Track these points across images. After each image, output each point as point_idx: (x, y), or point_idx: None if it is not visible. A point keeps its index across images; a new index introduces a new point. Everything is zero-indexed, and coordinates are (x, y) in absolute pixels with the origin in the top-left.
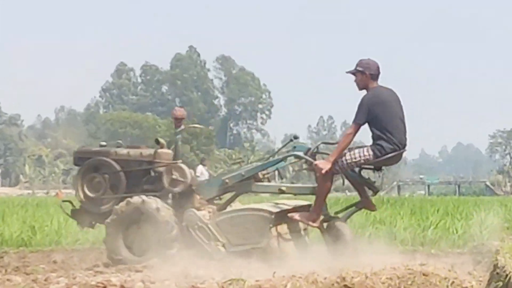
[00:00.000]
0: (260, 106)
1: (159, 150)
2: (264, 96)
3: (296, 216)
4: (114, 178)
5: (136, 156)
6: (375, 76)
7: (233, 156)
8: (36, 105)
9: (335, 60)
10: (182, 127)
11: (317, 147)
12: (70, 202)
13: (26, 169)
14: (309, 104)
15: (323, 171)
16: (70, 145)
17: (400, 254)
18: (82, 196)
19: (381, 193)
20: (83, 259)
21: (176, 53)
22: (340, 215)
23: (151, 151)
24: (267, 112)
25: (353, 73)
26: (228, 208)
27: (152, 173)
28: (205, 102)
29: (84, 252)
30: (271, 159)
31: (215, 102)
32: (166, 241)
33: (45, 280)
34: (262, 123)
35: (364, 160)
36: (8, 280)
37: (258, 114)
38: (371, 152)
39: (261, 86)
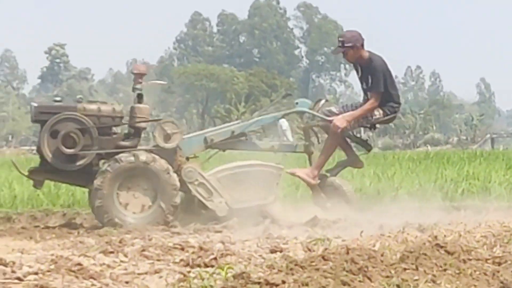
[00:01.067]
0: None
1: (140, 105)
2: None
3: (298, 172)
4: (87, 134)
5: (108, 111)
6: (363, 44)
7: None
8: (107, 58)
9: (421, 5)
10: (142, 83)
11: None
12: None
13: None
14: (395, 54)
15: (340, 130)
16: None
17: (495, 210)
18: (49, 152)
19: (473, 147)
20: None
21: (254, 0)
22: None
23: (121, 107)
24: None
25: (346, 51)
26: (230, 164)
27: (131, 130)
28: (285, 53)
29: None
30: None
31: (296, 52)
32: (171, 201)
33: (120, 242)
34: (345, 74)
35: (375, 119)
36: (81, 242)
37: (342, 65)
38: (381, 112)
39: None
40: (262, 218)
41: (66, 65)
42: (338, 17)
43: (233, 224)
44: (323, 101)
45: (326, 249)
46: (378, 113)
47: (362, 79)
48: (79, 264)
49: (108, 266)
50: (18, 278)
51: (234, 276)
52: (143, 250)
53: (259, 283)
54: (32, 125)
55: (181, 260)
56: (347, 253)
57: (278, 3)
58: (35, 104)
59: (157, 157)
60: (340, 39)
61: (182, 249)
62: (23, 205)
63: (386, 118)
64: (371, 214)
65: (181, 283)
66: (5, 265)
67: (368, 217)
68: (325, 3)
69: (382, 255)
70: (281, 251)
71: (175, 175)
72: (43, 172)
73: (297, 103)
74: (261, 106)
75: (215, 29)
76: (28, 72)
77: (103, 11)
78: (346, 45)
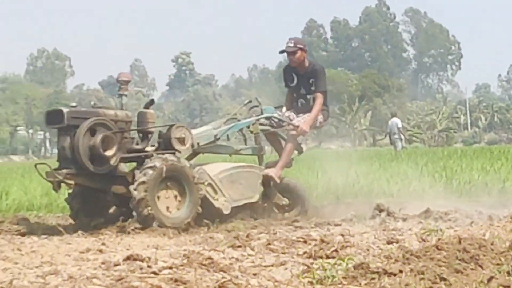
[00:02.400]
0: (449, 57)
1: (148, 111)
2: (453, 47)
3: (270, 173)
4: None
5: (123, 117)
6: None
7: (425, 108)
8: (229, 65)
9: None
10: (126, 91)
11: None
12: (46, 164)
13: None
14: (499, 52)
15: (306, 133)
16: (264, 103)
17: None
18: (83, 155)
19: None
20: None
21: (365, 7)
22: None
23: (131, 113)
24: (456, 63)
25: (295, 51)
26: (226, 165)
27: (140, 134)
28: (394, 56)
29: None
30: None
31: (404, 55)
32: (197, 200)
33: (247, 236)
34: (452, 74)
35: (319, 123)
36: (210, 237)
37: (448, 65)
38: (322, 116)
39: (449, 38)
40: (378, 211)
41: (192, 72)
42: (443, 21)
43: (351, 217)
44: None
45: (439, 239)
46: (321, 117)
47: (300, 85)
48: (210, 258)
49: (237, 259)
50: (154, 273)
51: (354, 267)
52: (269, 244)
53: (377, 272)
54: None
55: (304, 252)
56: (459, 242)
57: (388, 9)
58: (66, 110)
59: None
60: (292, 40)
61: (305, 242)
62: None
63: (323, 122)
64: (480, 205)
65: (305, 274)
66: (142, 260)
67: (477, 208)
68: (431, 7)
69: (492, 244)
70: (397, 242)
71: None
72: (64, 174)
73: (264, 109)
74: (374, 106)
75: (329, 35)
76: (156, 79)
77: (226, 22)
78: (298, 45)
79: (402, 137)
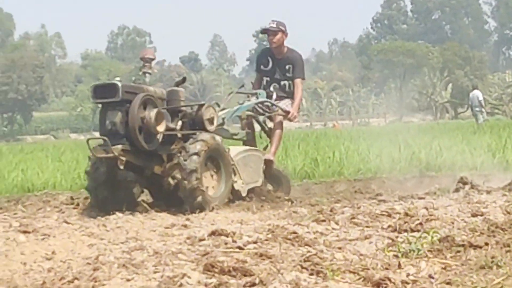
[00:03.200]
0: None
1: (178, 89)
2: None
3: (271, 157)
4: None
5: (160, 94)
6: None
7: (506, 79)
8: (309, 39)
9: None
10: (150, 70)
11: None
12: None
13: (303, 103)
14: None
15: (296, 118)
16: (345, 77)
17: None
18: (137, 132)
19: None
20: (365, 189)
21: None
22: None
23: (164, 91)
24: None
25: (276, 31)
26: (240, 148)
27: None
28: (474, 29)
29: (366, 181)
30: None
31: (486, 27)
32: (231, 181)
33: (330, 210)
34: None
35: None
36: (294, 212)
37: None
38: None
39: None
40: (462, 184)
41: None
42: None
43: (434, 190)
44: (231, 95)
45: None
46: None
47: (275, 69)
48: (294, 232)
49: (321, 233)
50: (239, 247)
51: (439, 240)
52: (353, 218)
53: (463, 245)
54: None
55: (389, 226)
56: None
57: None
58: (120, 83)
59: None
60: (274, 21)
61: (389, 215)
62: None
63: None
64: None
65: (390, 248)
66: (226, 235)
67: None
68: None
69: None
70: (481, 215)
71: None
72: (119, 151)
73: (260, 94)
74: (455, 78)
75: (408, 8)
76: (237, 54)
77: None
78: (280, 27)
79: (483, 110)
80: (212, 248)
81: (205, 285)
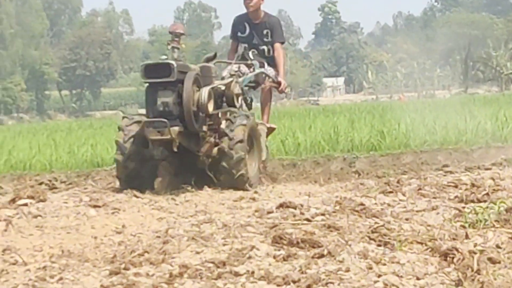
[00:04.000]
0: None
1: (211, 65)
2: None
3: (273, 126)
4: None
5: (198, 72)
6: None
7: None
8: (374, 12)
9: None
10: (179, 45)
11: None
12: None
13: (368, 75)
14: None
15: (287, 89)
16: (410, 50)
17: None
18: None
19: None
20: (432, 160)
21: None
22: None
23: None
24: None
25: None
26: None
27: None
28: None
29: (433, 153)
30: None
31: None
32: (261, 158)
33: (397, 182)
34: None
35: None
36: (361, 184)
37: None
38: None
39: None
40: None
41: (338, 20)
42: None
43: (501, 161)
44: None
45: None
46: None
47: (252, 35)
48: (362, 204)
49: (388, 205)
50: (307, 219)
51: (506, 210)
52: (420, 189)
53: None
54: (308, 78)
55: (456, 196)
56: None
57: None
58: (174, 63)
59: None
60: None
61: (456, 186)
62: (306, 152)
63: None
64: None
65: (457, 218)
66: (294, 207)
67: None
68: None
69: None
70: None
71: None
72: (177, 132)
73: (255, 65)
74: None
75: None
76: (302, 28)
77: None
78: None
79: None
80: (280, 221)
81: (274, 257)
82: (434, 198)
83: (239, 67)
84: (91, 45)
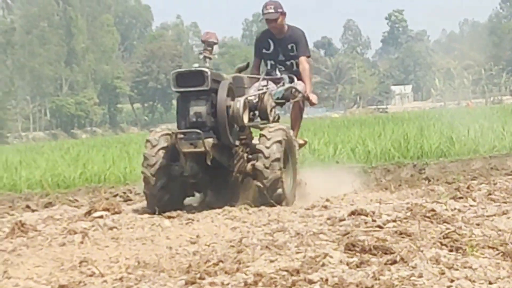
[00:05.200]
0: None
1: (243, 76)
2: None
3: (305, 139)
4: None
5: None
6: None
7: None
8: (440, 20)
9: None
10: (211, 54)
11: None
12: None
13: (436, 83)
14: None
15: (317, 102)
16: (477, 57)
17: None
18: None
19: None
20: (501, 165)
21: None
22: None
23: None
24: None
25: (276, 18)
26: None
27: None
28: None
29: (502, 158)
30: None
31: None
32: (296, 173)
33: (467, 188)
34: None
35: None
36: (432, 190)
37: None
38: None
39: None
40: None
41: (405, 29)
42: None
43: None
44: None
45: None
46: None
47: (278, 51)
48: (433, 210)
49: (459, 210)
50: (379, 226)
51: None
52: (490, 194)
53: None
54: (377, 86)
55: None
56: None
57: None
58: (208, 71)
59: None
60: (271, 5)
61: None
62: (376, 159)
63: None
64: None
65: None
66: (366, 214)
67: None
68: None
69: None
70: None
71: None
72: (211, 144)
73: (284, 79)
74: None
75: None
76: (370, 38)
77: None
78: (278, 10)
79: None
80: (352, 228)
81: (347, 264)
82: (504, 202)
83: (267, 83)
84: (162, 58)
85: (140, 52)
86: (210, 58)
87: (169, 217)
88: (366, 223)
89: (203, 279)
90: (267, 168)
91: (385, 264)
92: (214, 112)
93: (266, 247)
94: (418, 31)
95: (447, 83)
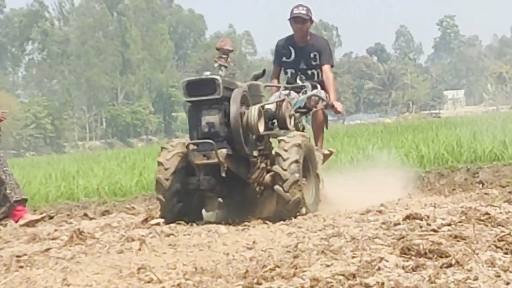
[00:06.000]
0: None
1: (259, 83)
2: None
3: (332, 149)
4: None
5: (246, 89)
6: None
7: None
8: (492, 25)
9: None
10: (226, 63)
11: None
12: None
13: (488, 87)
14: None
15: (343, 110)
16: None
17: None
18: (241, 135)
19: None
20: None
21: None
22: None
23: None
24: None
25: (307, 19)
26: None
27: None
28: None
29: None
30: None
31: None
32: (318, 184)
33: None
34: None
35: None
36: (486, 194)
37: None
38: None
39: None
40: None
41: (456, 34)
42: None
43: None
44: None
45: None
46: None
47: (300, 59)
48: (487, 213)
49: None
50: (434, 230)
51: None
52: None
53: None
54: (429, 91)
55: None
56: None
57: None
58: (220, 79)
59: None
60: (304, 7)
61: None
62: (430, 164)
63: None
64: None
65: None
66: (421, 219)
67: None
68: None
69: None
70: None
71: None
72: (225, 156)
73: (307, 87)
74: None
75: None
76: (422, 43)
77: None
78: (309, 14)
79: None
80: (407, 232)
81: (403, 267)
82: None
83: (289, 93)
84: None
85: (194, 61)
86: (225, 66)
87: (225, 224)
88: (421, 227)
89: (260, 284)
90: (285, 170)
91: (441, 267)
92: (228, 121)
93: (322, 252)
94: (469, 36)
95: (499, 87)
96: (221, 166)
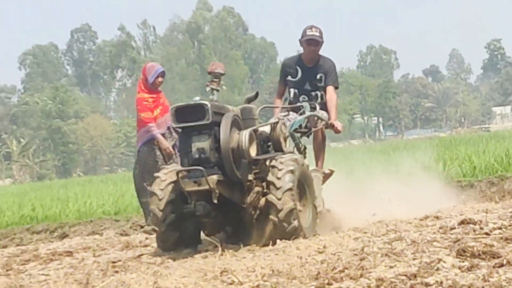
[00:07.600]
0: None
1: (252, 106)
2: None
3: (332, 169)
4: None
5: (238, 113)
6: None
7: None
8: None
9: None
10: (218, 86)
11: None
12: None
13: None
14: None
15: (342, 130)
16: None
17: None
18: (231, 160)
19: None
20: None
21: None
22: None
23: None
24: None
25: (320, 42)
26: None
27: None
28: None
29: None
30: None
31: None
32: (315, 206)
33: None
34: None
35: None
36: None
37: None
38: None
39: None
40: None
41: (503, 56)
42: None
43: None
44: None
45: None
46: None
47: (305, 79)
48: None
49: None
50: (486, 233)
51: None
52: None
53: None
54: (479, 108)
55: None
56: None
57: None
58: (209, 104)
59: None
60: (317, 28)
61: None
62: (481, 173)
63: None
64: None
65: None
66: (474, 223)
67: None
68: None
69: None
70: None
71: None
72: (215, 181)
73: (305, 107)
74: None
75: None
76: (472, 64)
77: None
78: (322, 37)
79: None
80: (462, 235)
81: (459, 268)
82: None
83: (288, 114)
84: None
85: (267, 84)
86: (217, 90)
87: None
88: (474, 230)
89: (331, 284)
90: (279, 199)
91: (494, 267)
92: (218, 146)
93: (386, 254)
94: None
95: None
96: (212, 193)
